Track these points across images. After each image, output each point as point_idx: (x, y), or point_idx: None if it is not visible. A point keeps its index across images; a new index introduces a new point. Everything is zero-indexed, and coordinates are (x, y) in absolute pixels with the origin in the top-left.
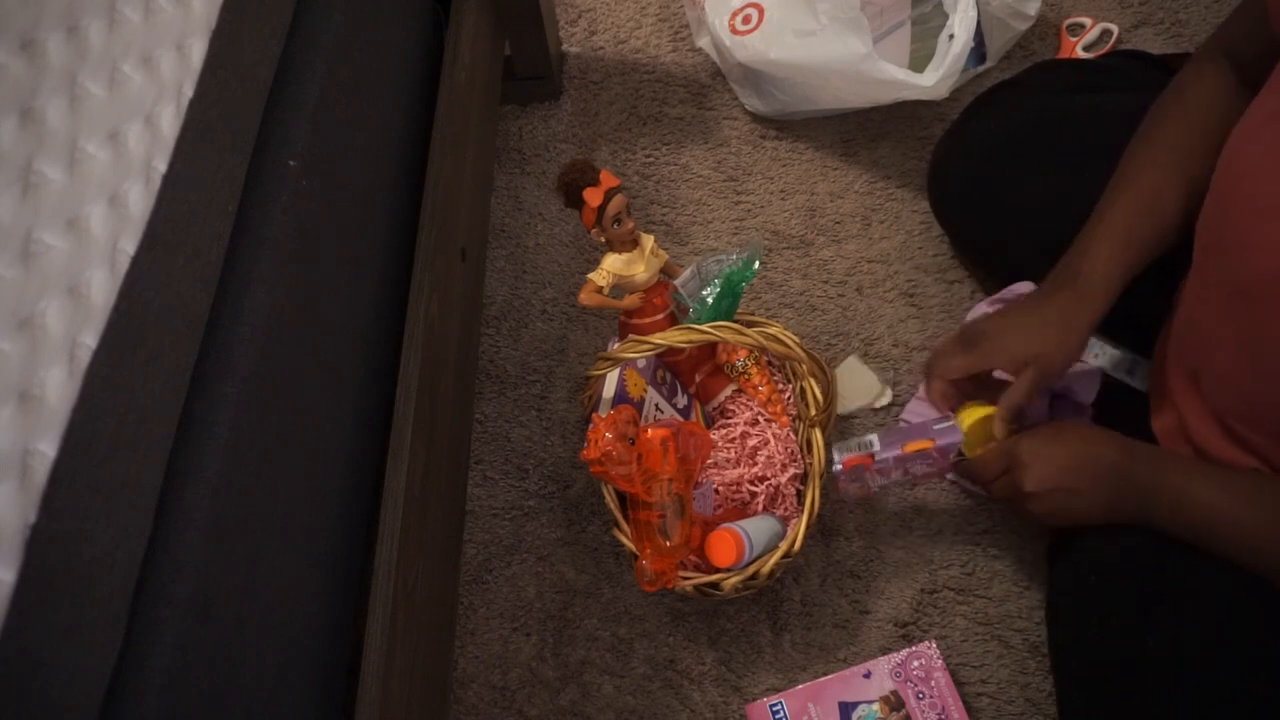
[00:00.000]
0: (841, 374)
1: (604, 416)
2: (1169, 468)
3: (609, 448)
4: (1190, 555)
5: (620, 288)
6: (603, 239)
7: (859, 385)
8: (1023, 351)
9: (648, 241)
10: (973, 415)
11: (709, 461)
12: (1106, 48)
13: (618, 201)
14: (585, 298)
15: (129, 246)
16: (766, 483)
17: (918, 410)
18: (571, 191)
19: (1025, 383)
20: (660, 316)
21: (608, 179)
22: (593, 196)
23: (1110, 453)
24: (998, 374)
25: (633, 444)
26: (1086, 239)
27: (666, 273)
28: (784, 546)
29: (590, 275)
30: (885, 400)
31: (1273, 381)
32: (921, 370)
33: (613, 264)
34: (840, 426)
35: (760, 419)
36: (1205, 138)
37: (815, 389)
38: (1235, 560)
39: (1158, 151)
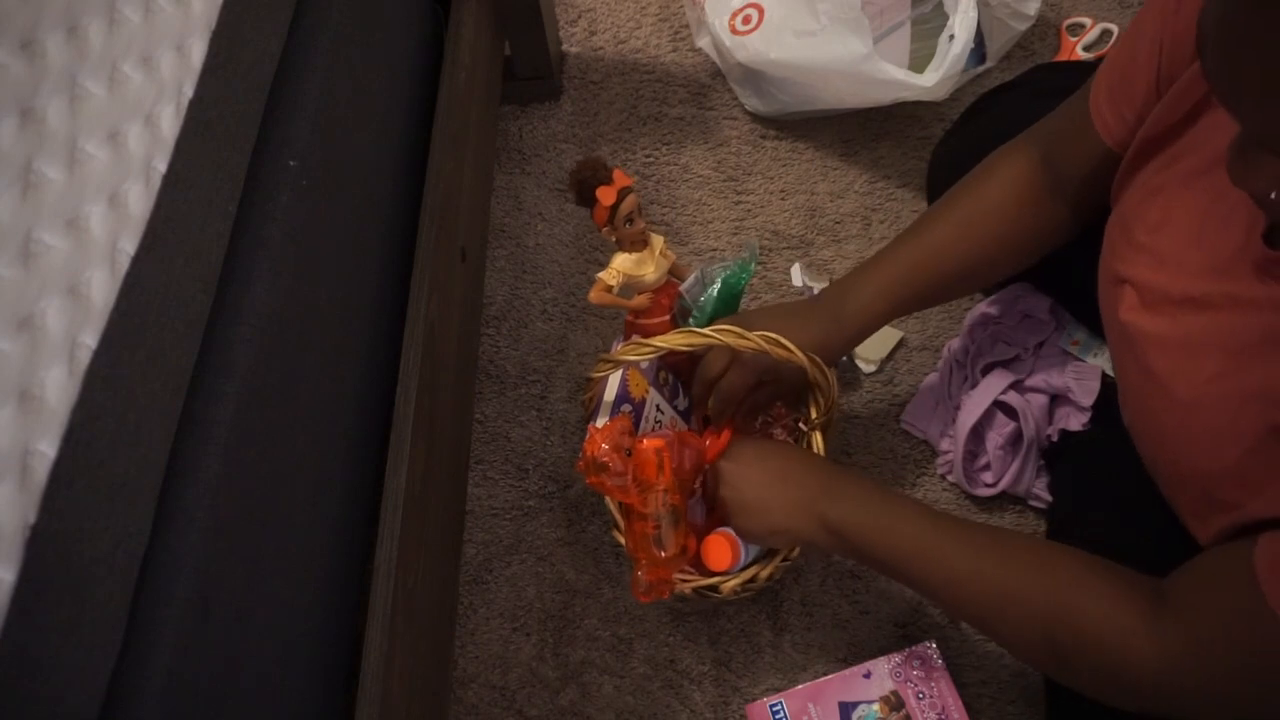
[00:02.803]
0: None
1: (600, 427)
2: (863, 492)
3: (604, 459)
4: None
5: (629, 287)
6: (613, 238)
7: (876, 339)
8: (765, 362)
9: (658, 242)
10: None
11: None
12: (1106, 48)
13: (630, 201)
14: (595, 296)
15: (129, 246)
16: None
17: (919, 412)
18: (584, 189)
19: (771, 389)
20: (668, 317)
21: (621, 178)
22: (605, 195)
23: (809, 472)
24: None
25: (629, 455)
26: (862, 275)
27: (675, 274)
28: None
29: (600, 274)
30: (898, 338)
31: (1126, 405)
32: (700, 390)
33: (623, 263)
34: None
35: (764, 417)
36: (989, 225)
37: (816, 392)
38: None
39: (950, 221)
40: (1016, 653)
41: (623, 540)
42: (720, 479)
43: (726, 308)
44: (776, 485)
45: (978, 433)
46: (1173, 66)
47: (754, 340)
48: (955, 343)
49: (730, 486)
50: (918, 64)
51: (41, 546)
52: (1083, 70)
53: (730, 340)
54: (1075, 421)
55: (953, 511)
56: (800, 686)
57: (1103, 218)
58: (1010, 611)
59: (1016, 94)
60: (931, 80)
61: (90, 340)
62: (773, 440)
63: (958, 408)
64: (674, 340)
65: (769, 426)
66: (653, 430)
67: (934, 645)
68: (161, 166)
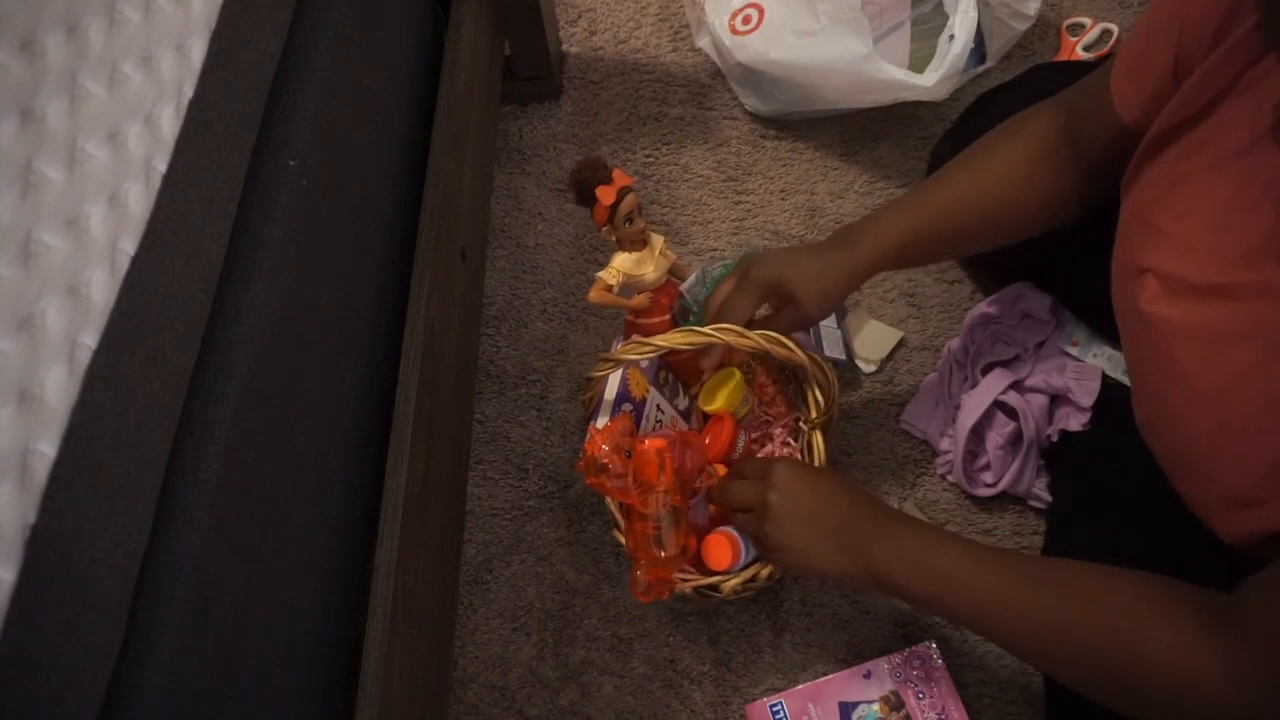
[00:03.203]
0: (861, 335)
1: (600, 428)
2: (908, 533)
3: (604, 460)
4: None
5: (629, 287)
6: (613, 238)
7: (876, 339)
8: (786, 275)
9: (657, 241)
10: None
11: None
12: (1106, 48)
13: (630, 200)
14: (595, 296)
15: (129, 246)
16: None
17: (919, 412)
18: (584, 189)
19: (783, 319)
20: (668, 316)
21: (620, 177)
22: (605, 195)
23: (854, 511)
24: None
25: (629, 456)
26: (877, 215)
27: (675, 274)
28: None
29: (600, 274)
30: (898, 338)
31: (1137, 400)
32: (709, 323)
33: (623, 263)
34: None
35: (764, 416)
36: (1005, 184)
37: (816, 391)
38: (968, 624)
39: (969, 174)
40: (1083, 688)
41: (623, 540)
42: (767, 514)
43: None
44: (822, 528)
45: (978, 433)
46: (1191, 49)
47: (754, 339)
48: (955, 343)
49: (776, 523)
50: (918, 64)
51: (41, 546)
52: (1082, 70)
53: (731, 339)
54: (1075, 422)
55: (953, 512)
56: (800, 686)
57: (1113, 205)
58: (1072, 648)
59: (1016, 94)
60: (931, 80)
61: (90, 340)
62: (813, 469)
63: (958, 408)
64: (674, 340)
65: (769, 426)
66: (653, 430)
67: (934, 645)
68: (161, 166)
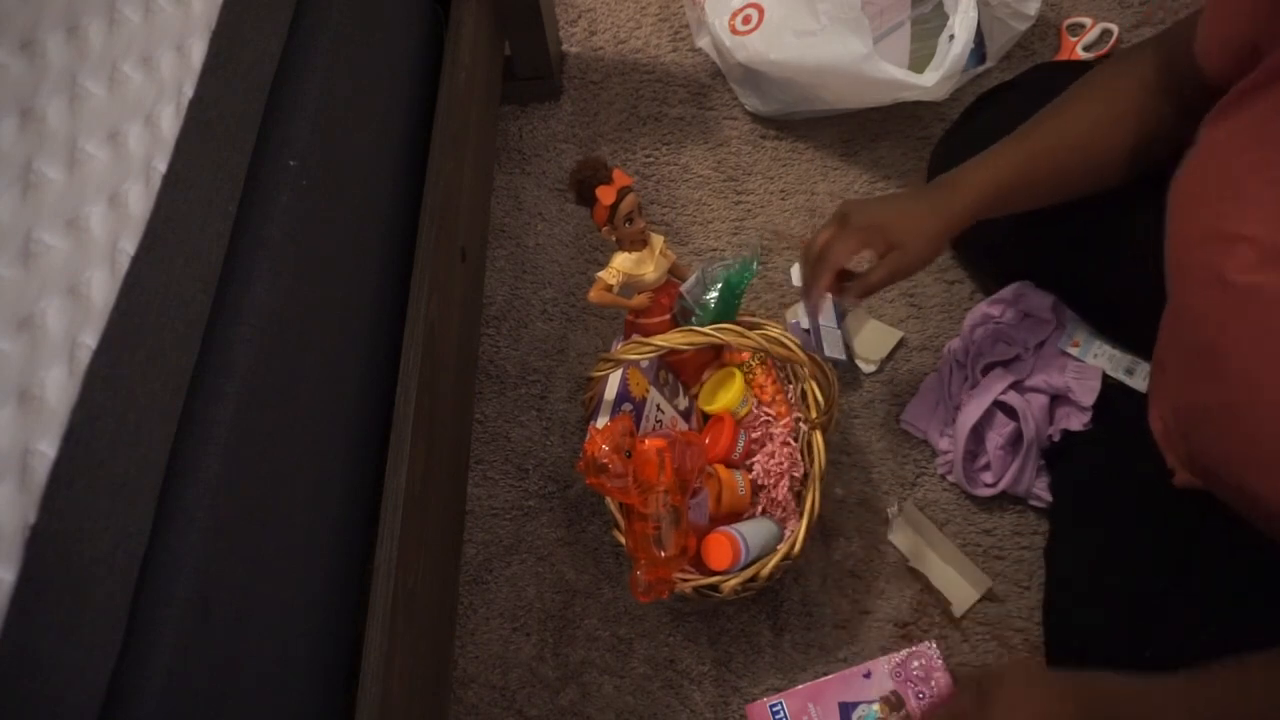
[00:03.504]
0: (861, 335)
1: (600, 428)
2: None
3: (604, 460)
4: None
5: (629, 287)
6: (613, 238)
7: (876, 339)
8: (887, 219)
9: (657, 241)
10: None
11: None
12: (1106, 48)
13: (630, 200)
14: (595, 296)
15: (129, 246)
16: (765, 492)
17: (919, 412)
18: (584, 189)
19: (886, 264)
20: (668, 316)
21: (620, 177)
22: (605, 195)
23: (1089, 711)
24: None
25: (629, 456)
26: (982, 161)
27: (675, 274)
28: (784, 549)
29: (600, 274)
30: (898, 338)
31: (1207, 384)
32: (809, 269)
33: (623, 263)
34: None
35: (764, 416)
36: (1097, 134)
37: (816, 391)
38: None
39: (1074, 117)
40: None
41: (623, 540)
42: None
43: (729, 308)
44: None
45: (978, 433)
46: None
47: (754, 339)
48: (955, 343)
49: None
50: (918, 64)
51: (41, 546)
52: (1082, 70)
53: (731, 339)
54: (1076, 421)
55: (952, 512)
56: (800, 686)
57: (1114, 198)
58: None
59: (1016, 94)
60: (931, 80)
61: (90, 340)
62: (1025, 695)
63: (958, 408)
64: (674, 339)
65: (769, 426)
66: (653, 429)
67: (934, 645)
68: (161, 166)
